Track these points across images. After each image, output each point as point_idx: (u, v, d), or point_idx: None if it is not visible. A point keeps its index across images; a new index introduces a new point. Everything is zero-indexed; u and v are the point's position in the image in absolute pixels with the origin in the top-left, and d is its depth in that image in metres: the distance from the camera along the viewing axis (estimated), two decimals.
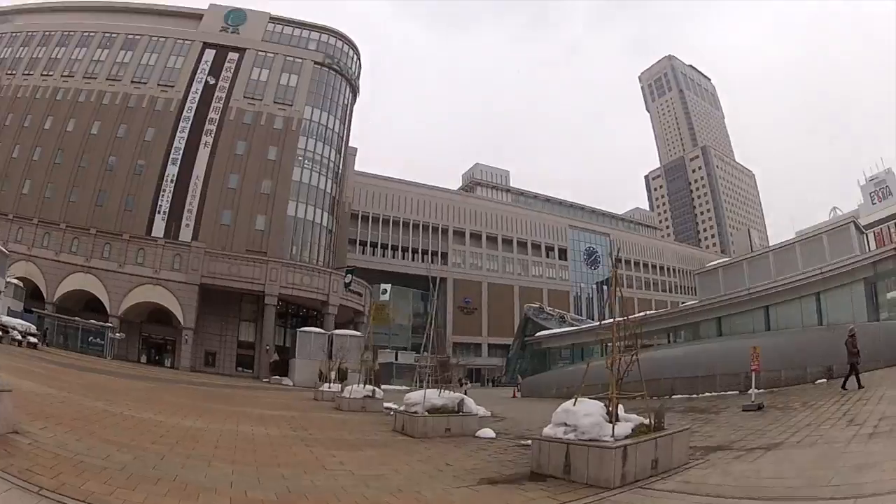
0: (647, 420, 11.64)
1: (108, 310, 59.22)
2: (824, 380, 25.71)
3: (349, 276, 70.68)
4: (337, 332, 59.30)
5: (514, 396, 51.09)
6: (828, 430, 13.93)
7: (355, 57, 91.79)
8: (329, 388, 35.43)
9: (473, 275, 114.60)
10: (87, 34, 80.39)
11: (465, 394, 52.02)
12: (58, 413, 13.51)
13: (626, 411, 11.76)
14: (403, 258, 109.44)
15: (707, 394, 29.40)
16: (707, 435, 15.73)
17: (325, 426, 20.24)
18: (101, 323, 56.86)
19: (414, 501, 8.70)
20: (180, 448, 11.76)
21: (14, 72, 77.89)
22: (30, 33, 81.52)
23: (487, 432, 17.88)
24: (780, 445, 12.68)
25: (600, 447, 10.04)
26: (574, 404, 11.54)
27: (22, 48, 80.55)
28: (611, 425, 10.68)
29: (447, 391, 20.59)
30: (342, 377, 51.18)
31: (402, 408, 20.27)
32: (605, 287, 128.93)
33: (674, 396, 30.40)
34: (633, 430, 11.01)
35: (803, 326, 32.11)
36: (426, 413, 18.26)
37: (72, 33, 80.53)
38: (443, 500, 8.96)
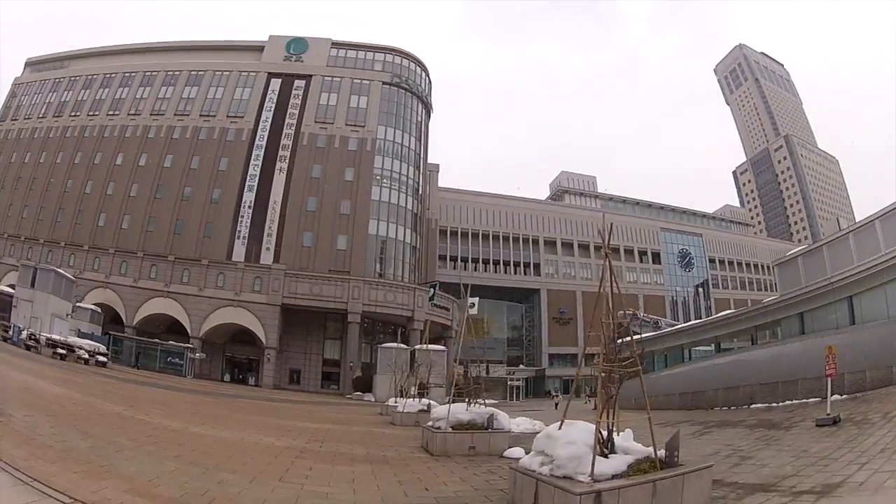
0: (662, 452, 8.79)
1: (188, 331, 60.58)
2: None
3: (432, 290, 69.98)
4: (419, 346, 57.68)
5: (595, 409, 48.00)
6: None
7: (423, 74, 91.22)
8: (395, 402, 33.06)
9: (567, 284, 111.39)
10: (149, 73, 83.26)
11: (556, 406, 49.26)
12: (59, 409, 14.73)
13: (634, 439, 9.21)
14: (495, 271, 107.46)
15: (788, 402, 25.70)
16: (759, 464, 12.81)
17: (351, 440, 19.29)
18: (181, 344, 57.97)
19: None
20: (150, 446, 12.14)
21: (78, 113, 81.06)
22: (90, 77, 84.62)
23: (517, 452, 15.04)
24: (840, 487, 9.40)
25: (565, 490, 7.57)
26: (560, 427, 9.27)
27: (84, 91, 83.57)
28: (600, 458, 8.25)
29: (478, 405, 18.50)
30: (423, 391, 49.93)
31: (428, 423, 18.50)
32: (701, 290, 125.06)
33: (752, 406, 27.96)
34: (629, 466, 8.33)
35: (888, 318, 25.67)
36: (450, 429, 16.59)
37: (133, 74, 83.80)
38: None
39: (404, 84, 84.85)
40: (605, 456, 8.27)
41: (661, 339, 48.34)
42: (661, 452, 8.64)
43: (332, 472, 12.04)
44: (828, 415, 16.62)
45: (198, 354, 58.28)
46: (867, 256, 28.32)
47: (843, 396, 21.84)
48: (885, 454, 11.21)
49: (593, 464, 7.74)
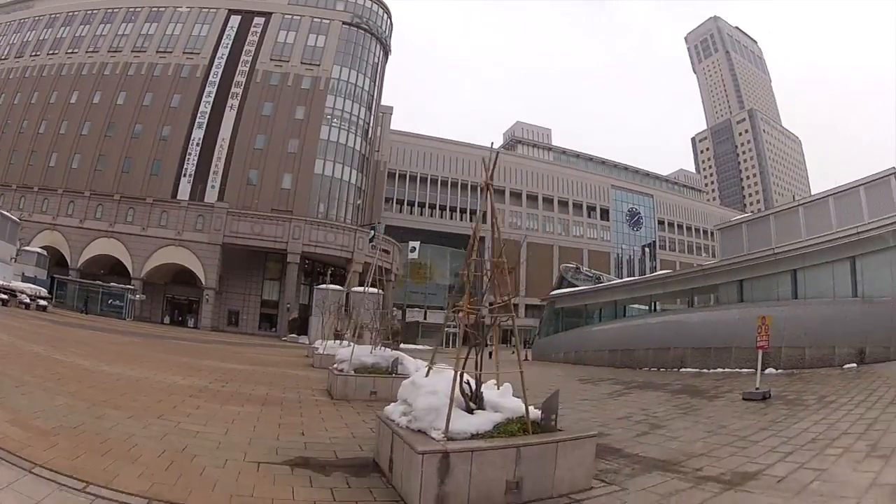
0: (540, 413, 7.90)
1: (131, 273, 60.12)
2: (854, 364, 21.74)
3: (372, 231, 67.58)
4: (355, 288, 58.31)
5: (526, 359, 48.61)
6: (836, 458, 9.27)
7: (385, 15, 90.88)
8: (322, 345, 30.12)
9: (512, 233, 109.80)
10: (111, 10, 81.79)
11: (489, 356, 50.51)
12: None
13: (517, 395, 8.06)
14: (441, 217, 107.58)
15: (720, 369, 26.11)
16: (669, 435, 11.78)
17: (259, 381, 18.80)
18: (122, 285, 57.78)
19: (165, 461, 7.61)
20: (51, 383, 12.18)
21: (38, 53, 79.98)
22: (53, 16, 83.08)
23: None
24: (753, 480, 8.22)
25: (411, 446, 6.76)
26: (427, 374, 8.67)
27: (46, 30, 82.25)
28: (463, 413, 7.57)
29: (383, 349, 18.26)
30: (358, 334, 50.32)
31: (333, 365, 18.08)
32: (647, 250, 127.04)
33: (682, 369, 28.39)
34: (496, 426, 7.45)
35: (834, 296, 26.15)
36: (352, 372, 16.28)
37: (95, 11, 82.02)
38: (195, 471, 7.44)
39: (364, 24, 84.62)
40: (471, 412, 7.57)
41: (598, 294, 49.01)
42: (538, 413, 7.84)
43: (217, 412, 11.88)
44: (756, 389, 16.22)
45: (138, 296, 58.40)
46: (817, 232, 29.09)
47: (779, 371, 22.64)
48: (814, 446, 10.12)
49: (448, 418, 7.00)
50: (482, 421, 7.35)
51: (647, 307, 41.90)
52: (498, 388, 8.33)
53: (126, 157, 70.93)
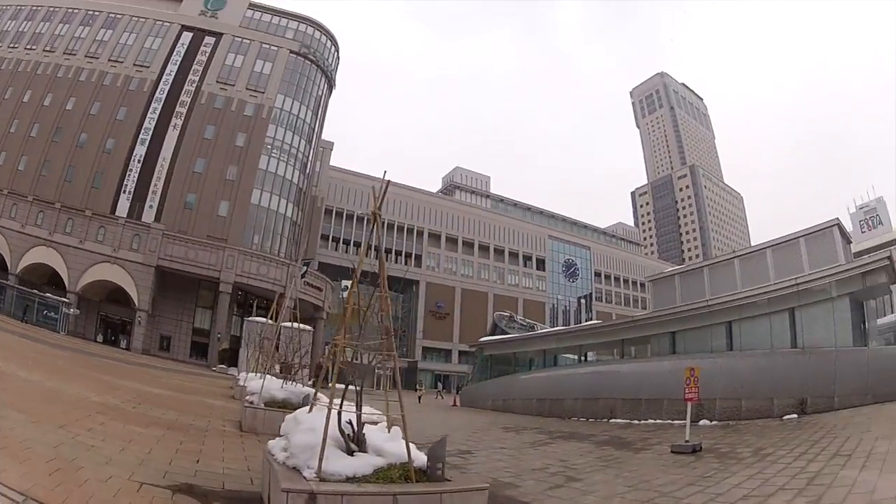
0: (426, 461, 7.85)
1: (66, 286, 59.70)
2: (794, 415, 22.11)
3: (304, 268, 69.12)
4: (286, 323, 58.91)
5: (454, 405, 50.48)
6: None
7: (333, 49, 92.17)
8: (244, 377, 30.49)
9: (447, 279, 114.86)
10: (71, 10, 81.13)
11: (419, 400, 50.17)
12: None
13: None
14: (376, 258, 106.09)
15: (651, 421, 26.53)
16: (585, 489, 11.54)
17: (172, 406, 19.01)
18: (57, 297, 57.32)
19: (51, 468, 7.96)
20: None
21: (0, 44, 79.10)
22: (19, 7, 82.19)
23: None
24: None
25: (279, 482, 6.77)
26: (310, 410, 9.16)
27: (10, 21, 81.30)
28: (343, 454, 7.66)
29: (294, 384, 19.19)
30: (286, 370, 51.11)
31: (246, 398, 18.36)
32: (583, 301, 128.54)
33: (612, 420, 28.75)
34: (376, 470, 7.36)
35: (772, 348, 26.44)
36: (262, 405, 16.70)
37: (57, 9, 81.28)
38: (77, 481, 7.70)
39: (311, 56, 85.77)
40: (351, 453, 7.55)
41: (527, 342, 50.09)
42: (424, 460, 7.72)
43: (119, 430, 12.12)
44: (686, 441, 16.12)
45: (72, 310, 57.86)
46: (754, 284, 30.03)
47: (714, 423, 23.35)
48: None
49: (321, 458, 6.99)
50: (361, 464, 7.33)
51: (576, 357, 42.15)
52: (388, 431, 8.55)
53: (70, 165, 70.65)
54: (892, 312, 50.95)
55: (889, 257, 24.60)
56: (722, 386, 24.70)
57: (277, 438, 8.51)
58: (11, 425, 9.60)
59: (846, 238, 32.26)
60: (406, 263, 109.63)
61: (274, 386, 17.78)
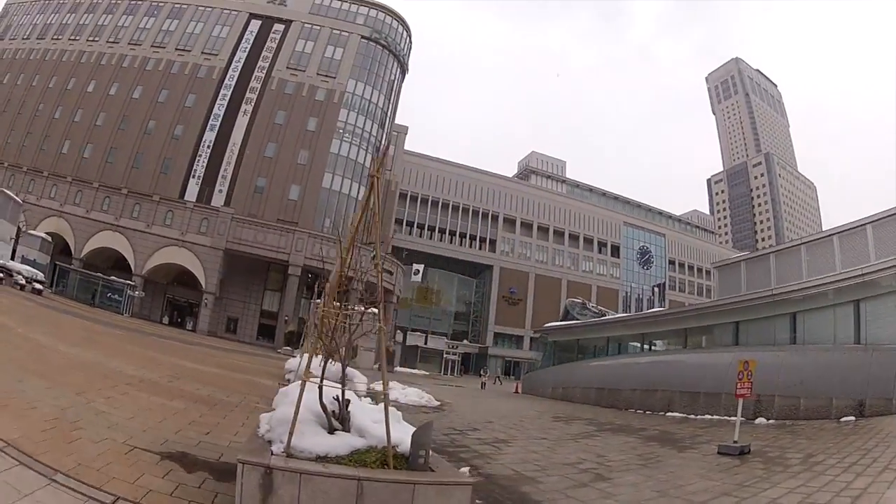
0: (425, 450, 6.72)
1: (132, 269, 60.11)
2: (852, 418, 19.52)
3: (375, 250, 67.85)
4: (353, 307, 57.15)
5: (517, 392, 48.67)
6: None
7: (405, 34, 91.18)
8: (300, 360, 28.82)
9: (521, 264, 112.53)
10: (133, 3, 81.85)
11: (482, 386, 48.33)
12: None
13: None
14: (451, 242, 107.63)
15: (708, 416, 24.60)
16: (607, 492, 10.25)
17: (214, 383, 18.44)
18: (122, 280, 57.59)
19: (48, 425, 7.99)
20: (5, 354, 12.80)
21: (60, 37, 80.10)
22: (77, 1, 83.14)
23: None
24: None
25: (239, 454, 6.10)
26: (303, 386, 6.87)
27: (69, 14, 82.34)
28: (322, 431, 6.85)
29: (333, 363, 16.67)
30: (352, 354, 49.45)
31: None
32: (657, 289, 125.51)
33: (669, 413, 27.02)
34: (354, 451, 6.52)
35: (835, 342, 24.21)
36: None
37: (119, 1, 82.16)
38: (68, 438, 7.64)
39: (383, 41, 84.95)
40: (332, 431, 6.79)
41: (589, 329, 47.26)
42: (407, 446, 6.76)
43: (140, 400, 11.83)
44: (735, 442, 14.29)
45: (137, 292, 58.07)
46: (820, 273, 27.30)
47: (770, 421, 21.21)
48: None
49: (290, 433, 6.31)
50: (338, 443, 6.54)
51: (639, 345, 40.27)
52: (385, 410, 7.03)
53: (138, 152, 71.09)
54: None
55: None
56: (782, 382, 22.47)
57: (269, 412, 7.63)
58: (26, 388, 9.70)
59: None
60: (480, 248, 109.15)
61: (313, 365, 15.02)
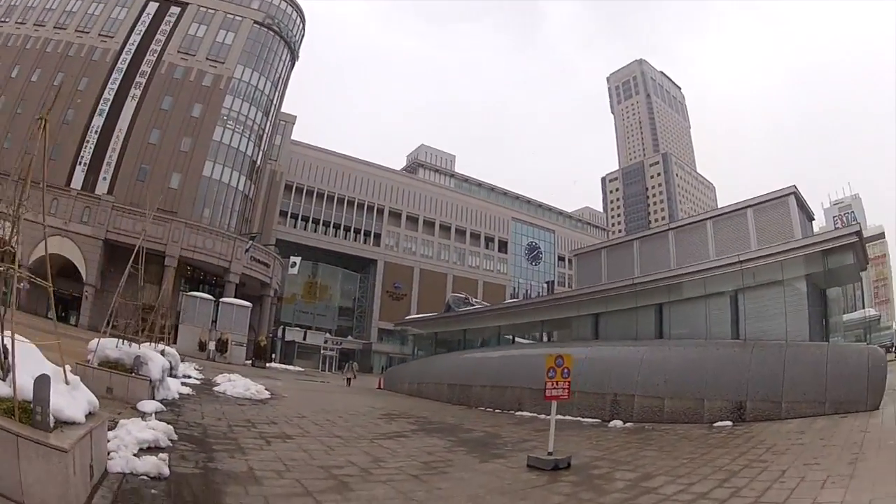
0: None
1: (20, 259, 59.14)
2: (728, 422, 18.22)
3: (250, 242, 70.46)
4: (224, 299, 59.36)
5: (379, 388, 46.85)
6: None
7: (299, 21, 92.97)
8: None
9: (406, 259, 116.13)
10: None
11: (347, 383, 49.23)
12: None
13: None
14: (335, 235, 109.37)
15: (559, 416, 17.78)
16: None
17: None
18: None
19: None
20: None
21: None
22: None
23: (150, 405, 14.92)
24: None
25: None
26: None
27: None
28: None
29: (130, 345, 17.77)
30: (221, 348, 52.17)
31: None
32: (546, 285, 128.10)
33: (519, 413, 25.60)
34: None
35: (707, 338, 22.74)
36: (95, 365, 16.16)
37: None
38: None
39: (275, 27, 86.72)
40: None
41: (445, 322, 47.42)
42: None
43: None
44: (549, 454, 12.20)
45: (22, 284, 57.63)
46: (691, 260, 26.96)
47: (627, 425, 20.33)
48: None
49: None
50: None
51: (496, 339, 39.47)
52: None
53: (31, 137, 69.13)
54: (864, 308, 48.99)
55: (858, 232, 20.52)
56: (643, 380, 21.65)
57: None
58: None
59: (806, 212, 28.55)
60: (365, 242, 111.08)
61: (109, 346, 17.08)
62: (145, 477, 8.31)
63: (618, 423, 20.52)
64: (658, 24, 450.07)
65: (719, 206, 47.13)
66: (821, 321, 21.89)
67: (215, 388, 24.39)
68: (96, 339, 17.36)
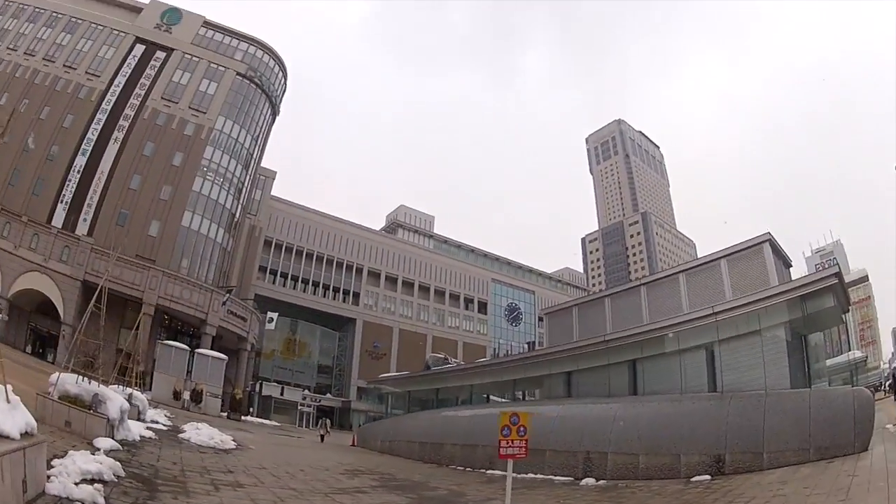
0: None
1: None
2: (707, 476, 17.83)
3: (227, 295, 70.16)
4: (199, 350, 59.15)
5: (353, 445, 47.25)
6: None
7: (281, 74, 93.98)
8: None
9: (385, 318, 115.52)
10: (37, 10, 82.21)
11: (322, 439, 48.27)
12: None
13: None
14: (314, 293, 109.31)
15: (531, 475, 22.24)
16: None
17: None
18: None
19: None
20: None
21: None
22: None
23: (105, 443, 15.43)
24: None
25: None
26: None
27: None
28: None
29: (91, 382, 18.46)
30: (196, 399, 51.76)
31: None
32: (527, 346, 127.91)
33: (490, 471, 25.31)
34: None
35: (683, 392, 22.43)
36: (56, 398, 16.79)
37: (26, 7, 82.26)
38: None
39: (257, 79, 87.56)
40: None
41: (417, 381, 48.86)
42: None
43: None
44: None
45: (1, 315, 56.71)
46: (664, 315, 26.68)
47: (601, 482, 19.85)
48: None
49: None
50: None
51: (469, 398, 40.02)
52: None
53: (16, 168, 70.69)
54: (850, 350, 46.86)
55: (837, 274, 20.33)
56: (616, 437, 21.21)
57: None
58: None
59: (782, 259, 28.69)
60: (344, 301, 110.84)
61: (69, 381, 17.72)
62: (79, 503, 8.71)
63: (590, 480, 20.19)
64: (631, 78, 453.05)
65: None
66: (803, 368, 21.33)
67: (180, 435, 24.57)
68: (57, 373, 18.03)
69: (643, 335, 25.00)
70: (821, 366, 24.50)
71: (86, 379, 18.32)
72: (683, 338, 23.23)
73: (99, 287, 19.51)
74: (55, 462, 9.69)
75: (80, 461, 10.43)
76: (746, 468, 17.39)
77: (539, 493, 18.03)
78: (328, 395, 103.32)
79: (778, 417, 17.81)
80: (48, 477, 8.80)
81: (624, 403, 23.30)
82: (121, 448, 15.60)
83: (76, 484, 9.01)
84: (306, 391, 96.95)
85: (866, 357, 74.94)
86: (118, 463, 11.98)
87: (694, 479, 17.73)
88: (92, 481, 9.74)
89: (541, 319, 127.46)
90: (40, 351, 63.88)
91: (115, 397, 17.94)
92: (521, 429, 13.05)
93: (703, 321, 22.36)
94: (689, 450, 19.02)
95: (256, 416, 71.97)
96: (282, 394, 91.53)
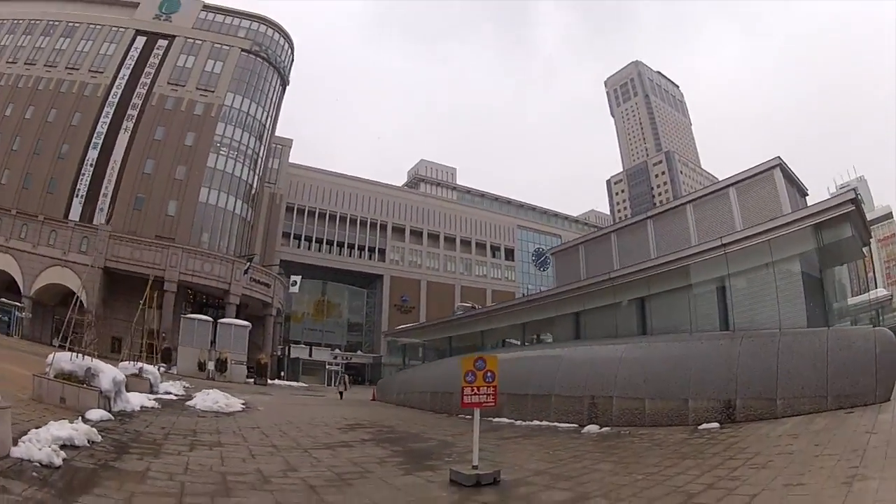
0: None
1: (21, 290, 60.91)
2: (716, 424, 16.09)
3: (248, 263, 70.62)
4: (222, 320, 59.76)
5: (373, 400, 44.25)
6: None
7: (287, 46, 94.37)
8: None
9: (412, 272, 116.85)
10: (33, 22, 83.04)
11: (341, 396, 48.73)
12: None
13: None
14: (340, 254, 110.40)
15: (536, 422, 21.39)
16: None
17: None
18: (10, 302, 58.90)
19: None
20: None
21: None
22: None
23: (97, 414, 15.30)
24: None
25: None
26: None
27: None
28: None
29: (84, 358, 17.95)
30: (221, 367, 52.72)
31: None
32: None
33: (497, 419, 22.77)
34: None
35: (693, 331, 20.89)
36: (52, 376, 16.80)
37: (20, 22, 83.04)
38: None
39: (263, 53, 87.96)
40: None
41: (428, 330, 47.41)
42: None
43: None
44: (473, 468, 10.55)
45: (25, 314, 58.99)
46: (672, 248, 24.92)
47: (604, 429, 18.46)
48: None
49: None
50: None
51: (479, 344, 36.45)
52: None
53: (28, 173, 72.11)
54: (876, 288, 45.48)
55: (853, 200, 18.09)
56: (621, 381, 19.64)
57: None
58: None
59: (796, 186, 26.92)
60: (370, 258, 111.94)
61: (64, 359, 17.49)
62: (37, 464, 8.94)
63: (593, 427, 18.78)
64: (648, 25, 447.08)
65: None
66: (822, 305, 19.21)
67: (188, 403, 24.14)
68: (52, 353, 17.97)
69: (650, 271, 23.34)
70: (843, 304, 23.36)
71: (80, 355, 17.89)
72: (692, 273, 21.56)
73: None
74: (31, 432, 9.98)
75: (54, 429, 10.67)
76: (758, 416, 15.80)
77: (534, 441, 17.04)
78: (359, 353, 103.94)
79: (793, 360, 15.99)
80: (15, 441, 9.18)
81: (631, 345, 21.49)
82: (112, 418, 15.74)
83: (39, 449, 9.28)
84: (337, 350, 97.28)
85: (891, 296, 71.08)
86: (94, 430, 12.09)
87: (702, 426, 16.21)
88: (64, 447, 10.04)
89: None
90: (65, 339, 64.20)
91: (107, 370, 17.68)
92: (489, 374, 11.42)
93: (710, 254, 20.73)
94: (698, 394, 17.41)
95: (287, 379, 73.09)
96: (310, 355, 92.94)
